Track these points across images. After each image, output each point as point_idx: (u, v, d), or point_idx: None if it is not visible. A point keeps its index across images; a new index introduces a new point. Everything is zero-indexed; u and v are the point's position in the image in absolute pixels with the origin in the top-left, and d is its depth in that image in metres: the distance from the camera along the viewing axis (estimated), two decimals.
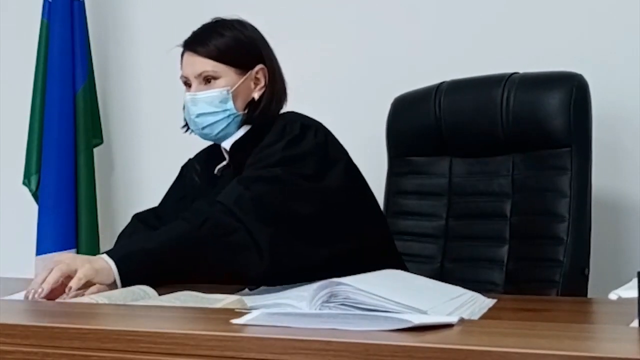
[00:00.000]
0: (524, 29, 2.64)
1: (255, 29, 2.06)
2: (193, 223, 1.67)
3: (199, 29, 2.04)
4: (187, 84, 2.00)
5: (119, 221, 3.24)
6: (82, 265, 1.58)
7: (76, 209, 3.05)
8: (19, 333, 1.29)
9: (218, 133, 1.98)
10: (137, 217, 2.16)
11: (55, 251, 2.99)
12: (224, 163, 2.02)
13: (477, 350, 1.05)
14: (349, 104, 2.88)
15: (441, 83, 2.30)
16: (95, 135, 3.14)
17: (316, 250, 1.75)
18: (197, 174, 2.12)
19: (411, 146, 2.36)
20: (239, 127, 2.00)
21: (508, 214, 2.17)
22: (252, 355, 1.15)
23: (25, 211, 3.18)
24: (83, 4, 3.11)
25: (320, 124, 1.98)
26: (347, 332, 1.15)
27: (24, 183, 3.12)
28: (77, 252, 3.02)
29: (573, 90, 2.11)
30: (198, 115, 1.96)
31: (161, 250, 1.63)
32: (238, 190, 1.75)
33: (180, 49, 2.03)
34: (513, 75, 2.21)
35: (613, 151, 2.49)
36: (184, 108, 2.05)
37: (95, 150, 3.12)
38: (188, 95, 1.98)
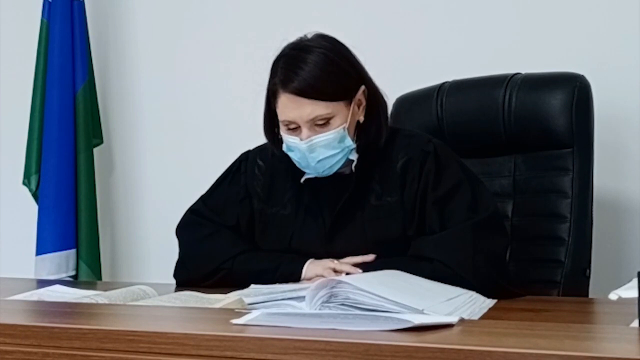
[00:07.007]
0: (526, 29, 2.63)
1: (338, 41, 1.88)
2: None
3: (290, 63, 1.81)
4: (292, 127, 1.82)
5: (119, 221, 3.24)
6: None
7: (76, 209, 3.04)
8: (19, 333, 1.29)
9: (336, 168, 1.86)
10: (196, 214, 2.02)
11: (55, 251, 2.98)
12: (312, 175, 1.89)
13: (477, 350, 1.05)
14: None
15: (443, 83, 2.30)
16: (95, 135, 3.13)
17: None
18: (260, 171, 1.98)
19: None
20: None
21: (510, 215, 2.16)
22: (252, 355, 1.15)
23: (25, 211, 3.17)
24: (83, 4, 3.11)
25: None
26: (347, 332, 1.15)
27: (24, 183, 3.11)
28: (77, 252, 3.02)
29: (575, 91, 2.10)
30: (319, 161, 1.82)
31: None
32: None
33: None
34: (515, 76, 2.20)
35: (615, 152, 2.48)
36: (271, 131, 1.90)
37: (95, 150, 3.12)
38: (303, 144, 1.79)
